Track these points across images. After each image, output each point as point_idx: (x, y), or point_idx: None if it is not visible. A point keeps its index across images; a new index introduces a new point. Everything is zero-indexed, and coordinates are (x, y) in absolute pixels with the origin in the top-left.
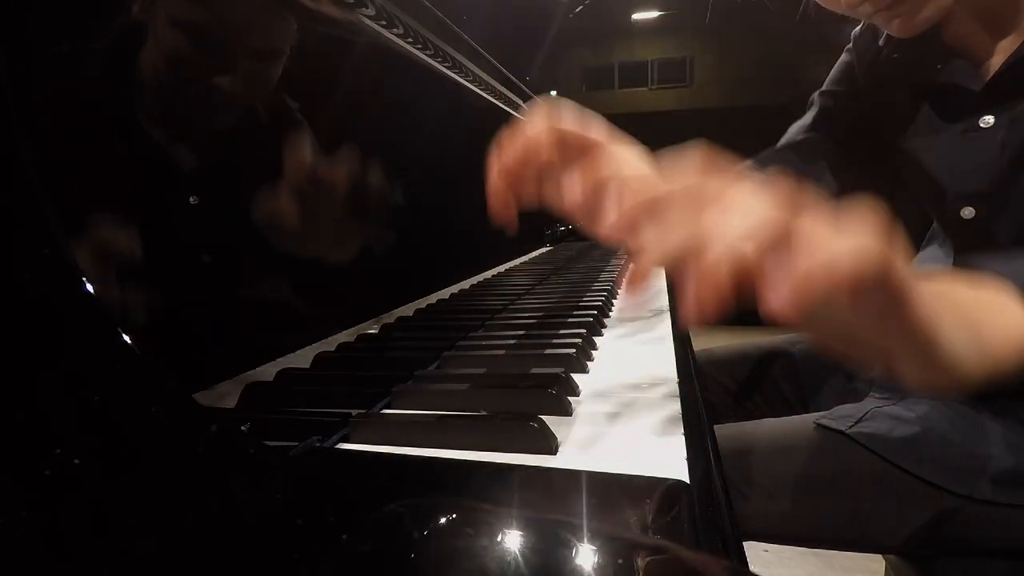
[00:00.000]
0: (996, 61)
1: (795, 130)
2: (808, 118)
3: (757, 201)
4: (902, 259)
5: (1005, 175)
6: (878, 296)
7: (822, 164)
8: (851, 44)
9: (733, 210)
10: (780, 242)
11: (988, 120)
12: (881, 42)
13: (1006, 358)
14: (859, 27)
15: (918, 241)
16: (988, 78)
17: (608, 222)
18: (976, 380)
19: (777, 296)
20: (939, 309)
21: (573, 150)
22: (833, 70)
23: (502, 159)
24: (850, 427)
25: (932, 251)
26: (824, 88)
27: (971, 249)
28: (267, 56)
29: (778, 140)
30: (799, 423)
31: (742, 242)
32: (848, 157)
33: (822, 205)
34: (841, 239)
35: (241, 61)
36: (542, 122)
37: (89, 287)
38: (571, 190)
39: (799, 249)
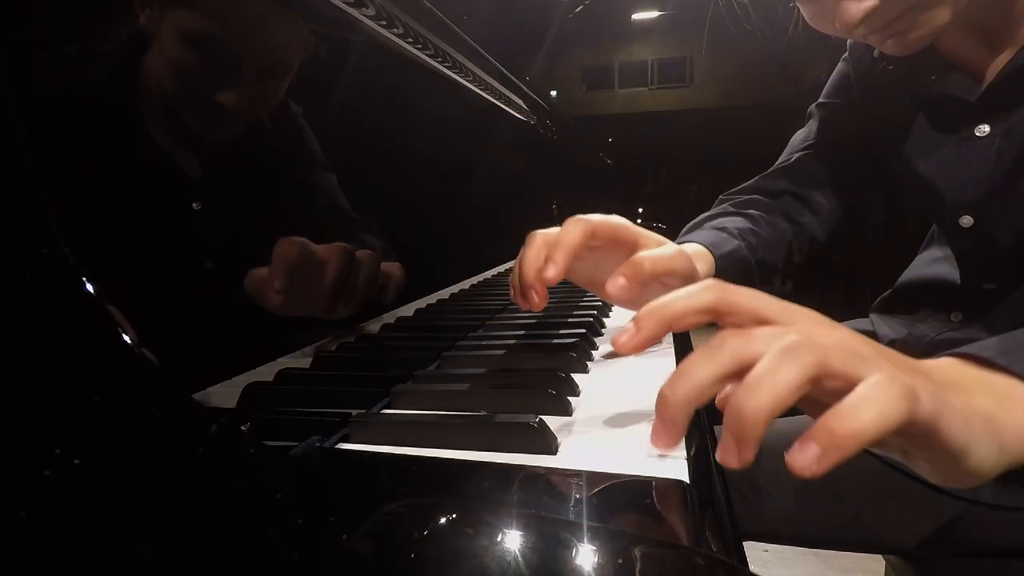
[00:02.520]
0: (990, 71)
1: (797, 142)
2: (807, 131)
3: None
4: (931, 395)
5: (1001, 184)
6: (905, 438)
7: (821, 183)
8: (847, 54)
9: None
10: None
11: (984, 129)
12: (876, 53)
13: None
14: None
15: (917, 241)
16: (983, 88)
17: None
18: (994, 475)
19: (804, 456)
20: (968, 409)
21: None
22: (830, 81)
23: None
24: None
25: (931, 252)
26: (821, 100)
27: (973, 259)
28: (276, 70)
29: (778, 140)
30: (800, 424)
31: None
32: (849, 169)
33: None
34: (871, 397)
35: (249, 73)
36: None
37: (89, 287)
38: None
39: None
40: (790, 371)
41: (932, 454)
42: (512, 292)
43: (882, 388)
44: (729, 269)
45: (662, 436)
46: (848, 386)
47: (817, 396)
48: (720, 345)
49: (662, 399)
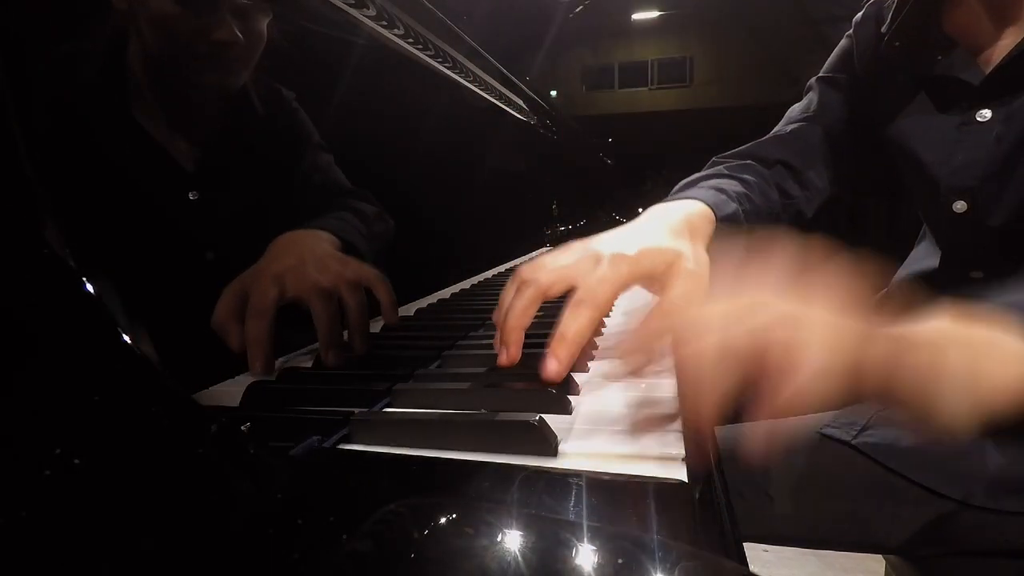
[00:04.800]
0: (996, 54)
1: (795, 113)
2: (806, 103)
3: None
4: (888, 335)
5: (998, 171)
6: (863, 386)
7: (815, 157)
8: (851, 30)
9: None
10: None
11: (985, 114)
12: (883, 29)
13: (1003, 406)
14: (860, 13)
15: (915, 237)
16: (987, 72)
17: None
18: (970, 427)
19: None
20: (935, 367)
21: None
22: (832, 56)
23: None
24: (855, 437)
25: (923, 247)
26: (822, 74)
27: (960, 246)
28: (251, 10)
29: None
30: (801, 425)
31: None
32: (843, 147)
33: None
34: (818, 350)
35: (228, 19)
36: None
37: (89, 287)
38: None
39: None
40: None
41: (902, 407)
42: (496, 339)
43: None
44: (726, 232)
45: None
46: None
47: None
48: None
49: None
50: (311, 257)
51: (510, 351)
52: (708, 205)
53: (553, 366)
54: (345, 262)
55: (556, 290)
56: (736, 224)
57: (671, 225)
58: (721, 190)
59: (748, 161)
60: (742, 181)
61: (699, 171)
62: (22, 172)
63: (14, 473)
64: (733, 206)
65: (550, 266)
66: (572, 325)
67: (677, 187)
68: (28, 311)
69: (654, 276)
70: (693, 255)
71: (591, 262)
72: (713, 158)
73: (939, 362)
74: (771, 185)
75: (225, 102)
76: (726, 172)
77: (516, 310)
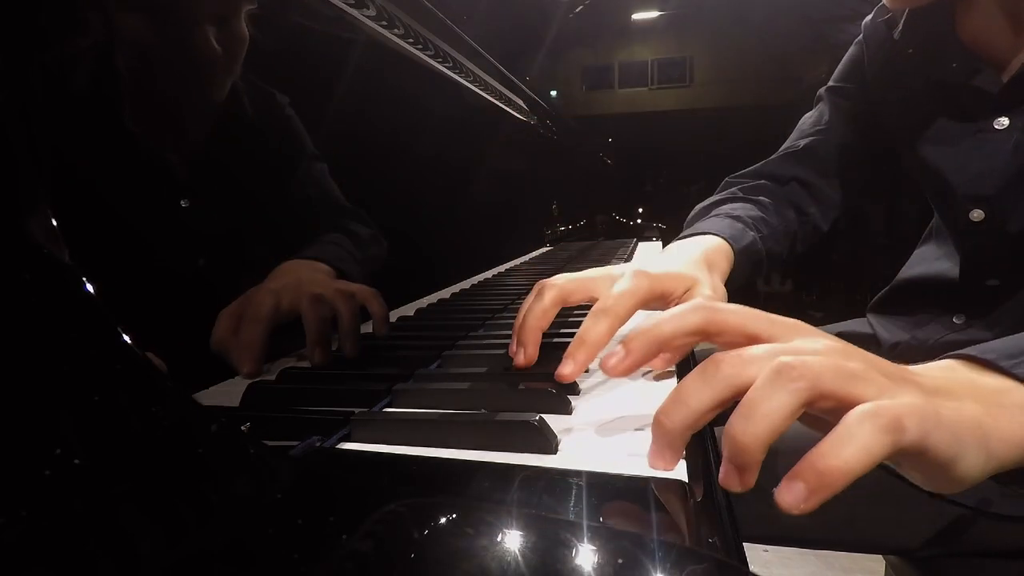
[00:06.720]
0: (1015, 62)
1: (806, 126)
2: (817, 116)
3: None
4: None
5: (1016, 179)
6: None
7: (828, 171)
8: (861, 36)
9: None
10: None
11: (1003, 122)
12: (896, 36)
13: (1012, 461)
14: (870, 17)
15: (917, 238)
16: (1006, 80)
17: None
18: (981, 480)
19: (792, 494)
20: (955, 437)
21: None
22: (841, 64)
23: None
24: None
25: (929, 249)
26: (832, 83)
27: (978, 254)
28: (227, 15)
29: (778, 140)
30: (802, 427)
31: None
32: (858, 158)
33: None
34: (855, 433)
35: (204, 25)
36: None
37: (89, 287)
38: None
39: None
40: (783, 398)
41: (921, 466)
42: (513, 342)
43: (865, 424)
44: (745, 263)
45: (660, 459)
46: (841, 406)
47: (814, 413)
48: (715, 370)
49: (658, 426)
50: (307, 277)
51: (528, 351)
52: (724, 238)
53: (569, 367)
54: (339, 280)
55: (576, 298)
56: (754, 252)
57: (689, 257)
58: (737, 218)
59: (762, 181)
60: (757, 203)
61: (698, 171)
62: (21, 172)
63: (14, 473)
64: (750, 235)
65: (572, 276)
66: (592, 330)
67: (693, 213)
68: (28, 311)
69: (672, 297)
70: (711, 283)
71: (612, 278)
72: (726, 179)
73: (959, 412)
74: (786, 204)
75: (216, 107)
76: (740, 195)
77: (535, 311)
